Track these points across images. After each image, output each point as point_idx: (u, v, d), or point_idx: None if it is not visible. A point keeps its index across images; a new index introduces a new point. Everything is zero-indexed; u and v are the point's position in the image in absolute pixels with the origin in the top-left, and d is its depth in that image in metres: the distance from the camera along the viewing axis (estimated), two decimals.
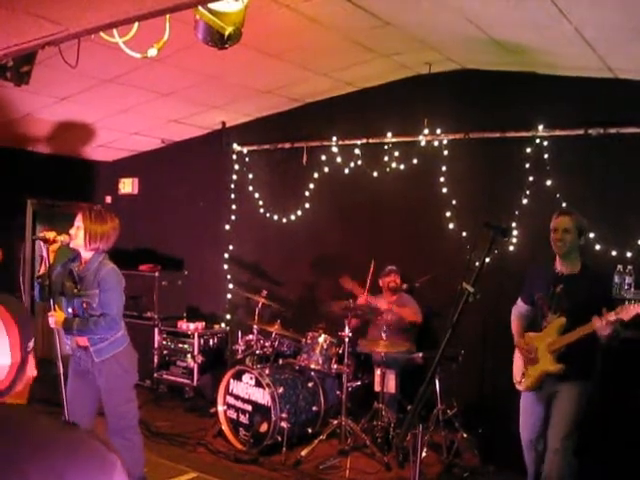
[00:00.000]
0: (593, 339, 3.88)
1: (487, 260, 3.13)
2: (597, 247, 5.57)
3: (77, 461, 1.48)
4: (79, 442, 1.53)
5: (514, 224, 5.89)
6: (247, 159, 7.87)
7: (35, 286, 4.12)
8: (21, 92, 4.60)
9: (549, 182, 5.82)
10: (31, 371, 1.69)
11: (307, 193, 7.34)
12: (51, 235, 4.02)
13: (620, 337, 3.85)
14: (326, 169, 7.21)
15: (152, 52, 3.51)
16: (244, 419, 5.73)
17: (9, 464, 1.40)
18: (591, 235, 5.59)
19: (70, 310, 4.15)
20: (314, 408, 5.86)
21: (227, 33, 3.26)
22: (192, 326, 7.36)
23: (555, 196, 5.70)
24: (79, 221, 4.14)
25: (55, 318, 3.99)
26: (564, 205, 5.67)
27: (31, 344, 1.66)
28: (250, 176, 7.82)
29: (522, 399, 4.35)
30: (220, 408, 5.89)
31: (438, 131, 6.43)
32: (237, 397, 5.82)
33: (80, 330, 4.04)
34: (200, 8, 3.12)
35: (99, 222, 4.16)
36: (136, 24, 3.36)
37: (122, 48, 3.51)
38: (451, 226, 6.35)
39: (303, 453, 5.37)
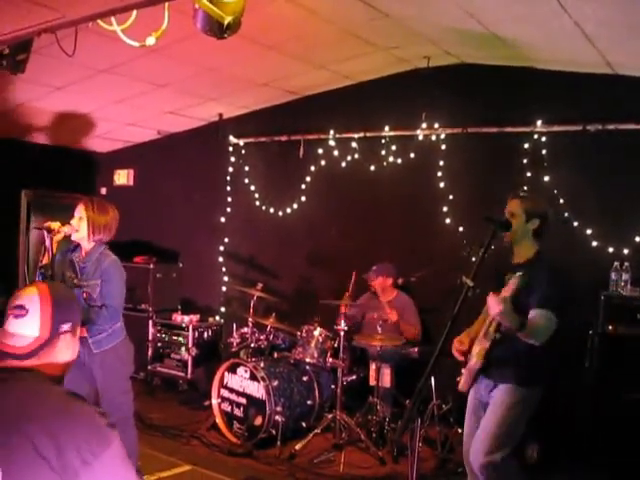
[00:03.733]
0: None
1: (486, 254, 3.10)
2: (594, 244, 5.57)
3: (72, 427, 1.67)
4: (79, 412, 1.74)
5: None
6: (243, 151, 7.83)
7: (38, 276, 4.09)
8: (16, 81, 4.55)
9: (547, 178, 5.80)
10: (66, 354, 1.94)
11: (303, 186, 7.31)
12: (56, 225, 4.00)
13: (507, 326, 3.30)
14: (323, 162, 7.19)
15: (150, 41, 3.47)
16: (238, 412, 5.71)
17: (12, 422, 1.64)
18: (588, 232, 5.61)
19: None
20: (309, 402, 5.85)
21: (226, 22, 3.23)
22: (187, 319, 7.33)
23: (553, 192, 5.69)
24: (81, 212, 4.11)
25: None
26: (561, 201, 5.67)
27: (66, 327, 1.93)
28: (246, 169, 7.79)
29: (467, 404, 3.90)
30: (214, 401, 5.87)
31: (436, 125, 6.41)
32: (231, 390, 5.80)
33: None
34: None
35: (101, 212, 4.14)
36: (134, 12, 3.33)
37: (120, 36, 3.47)
38: (448, 221, 6.33)
39: (297, 447, 5.35)
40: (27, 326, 1.87)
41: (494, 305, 3.22)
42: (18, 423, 1.65)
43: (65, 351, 1.95)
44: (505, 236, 3.64)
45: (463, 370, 3.76)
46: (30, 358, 1.85)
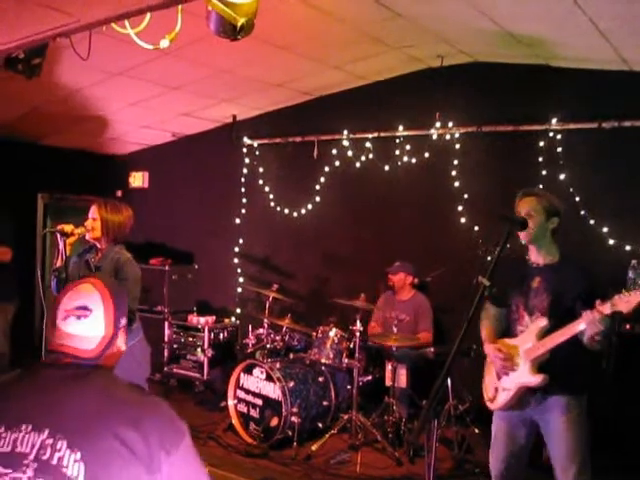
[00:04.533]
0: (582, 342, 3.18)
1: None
2: (611, 241, 5.53)
3: (153, 418, 1.73)
4: (154, 404, 1.81)
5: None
6: (258, 153, 7.85)
7: (52, 279, 4.11)
8: (31, 85, 4.58)
9: (562, 176, 5.77)
10: (122, 346, 1.99)
11: (318, 187, 7.31)
12: (69, 228, 4.03)
13: (607, 339, 3.10)
14: (337, 163, 7.18)
15: (164, 43, 3.49)
16: (254, 413, 5.72)
17: (96, 418, 1.68)
18: (605, 229, 5.57)
19: None
20: (325, 402, 5.84)
21: (239, 24, 3.23)
22: (202, 320, 7.34)
23: (568, 190, 5.66)
24: (95, 213, 4.15)
25: None
26: (577, 199, 5.63)
27: (123, 321, 1.96)
28: (261, 170, 7.80)
29: (495, 420, 3.61)
30: (230, 402, 5.88)
31: (450, 124, 6.39)
32: (247, 391, 5.81)
33: None
34: None
35: (115, 213, 4.17)
36: (148, 15, 3.34)
37: (134, 39, 3.48)
38: (463, 220, 6.31)
39: (314, 448, 5.36)
40: (92, 326, 1.86)
41: (595, 325, 3.05)
42: (102, 419, 1.68)
43: (121, 343, 1.98)
44: (522, 235, 3.39)
45: (492, 385, 3.61)
46: (98, 359, 1.87)
